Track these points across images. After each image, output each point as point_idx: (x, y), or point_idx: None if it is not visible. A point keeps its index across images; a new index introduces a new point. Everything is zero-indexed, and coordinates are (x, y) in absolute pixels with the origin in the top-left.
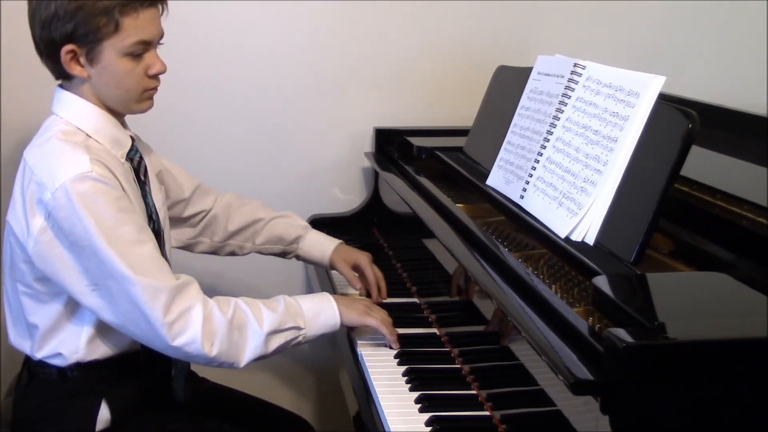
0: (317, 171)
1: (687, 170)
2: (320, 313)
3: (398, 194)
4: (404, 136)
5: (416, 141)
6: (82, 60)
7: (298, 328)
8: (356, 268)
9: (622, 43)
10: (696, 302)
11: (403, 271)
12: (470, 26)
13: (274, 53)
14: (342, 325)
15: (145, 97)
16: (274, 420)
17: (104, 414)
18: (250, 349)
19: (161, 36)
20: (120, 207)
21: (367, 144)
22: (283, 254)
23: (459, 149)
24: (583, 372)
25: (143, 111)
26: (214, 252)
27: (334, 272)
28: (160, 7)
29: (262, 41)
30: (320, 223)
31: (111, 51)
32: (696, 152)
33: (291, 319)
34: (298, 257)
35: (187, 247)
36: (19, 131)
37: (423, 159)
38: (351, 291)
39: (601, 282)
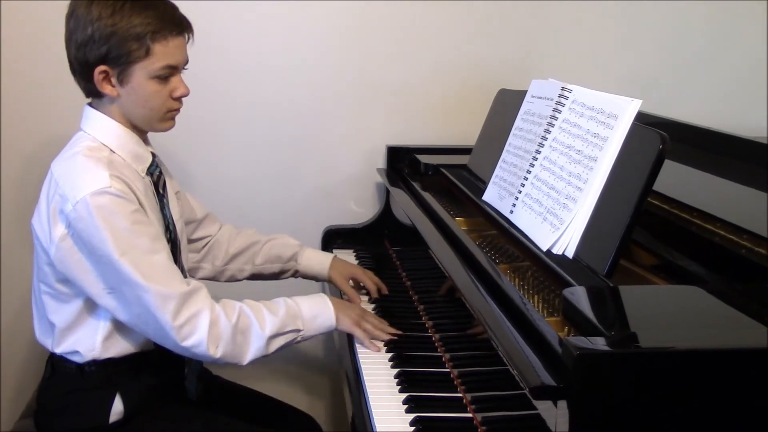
0: (334, 185)
1: (669, 189)
2: (318, 315)
3: (401, 208)
4: (413, 154)
5: (424, 158)
6: (113, 80)
7: (297, 330)
8: (352, 280)
9: (622, 67)
10: (664, 314)
11: (407, 279)
12: (478, 51)
13: (296, 76)
14: (335, 328)
15: (167, 117)
16: (283, 417)
17: (118, 407)
18: (252, 351)
19: (186, 62)
20: (135, 219)
21: (381, 160)
22: (280, 273)
23: (463, 166)
24: (545, 378)
25: (165, 130)
26: (215, 277)
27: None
28: (186, 35)
29: (284, 64)
30: (335, 234)
31: (140, 73)
32: (680, 171)
33: (291, 321)
34: (296, 273)
35: (190, 272)
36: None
37: (429, 175)
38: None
39: (570, 293)
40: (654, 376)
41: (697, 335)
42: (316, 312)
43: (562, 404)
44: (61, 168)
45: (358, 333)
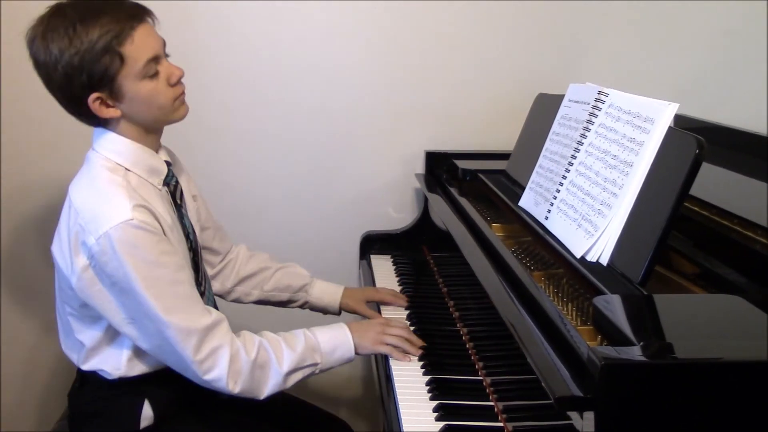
0: (372, 190)
1: (709, 194)
2: (337, 348)
3: (438, 213)
4: (452, 159)
5: (462, 164)
6: (110, 101)
7: (315, 364)
8: (369, 301)
9: (661, 70)
10: (699, 323)
11: (444, 285)
12: (518, 55)
13: (334, 80)
14: (357, 354)
15: (178, 105)
16: (315, 421)
17: (147, 413)
18: (270, 386)
19: (164, 45)
20: (160, 250)
21: (419, 166)
22: (288, 302)
23: (502, 171)
24: (572, 388)
25: (182, 117)
26: (221, 296)
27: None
28: (149, 20)
29: (322, 68)
30: (373, 240)
31: (129, 81)
32: (720, 175)
33: (310, 356)
34: (305, 304)
35: None
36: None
37: (468, 180)
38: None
39: (601, 301)
40: (686, 389)
41: (734, 346)
42: (335, 344)
43: (589, 415)
44: (80, 196)
45: (382, 350)
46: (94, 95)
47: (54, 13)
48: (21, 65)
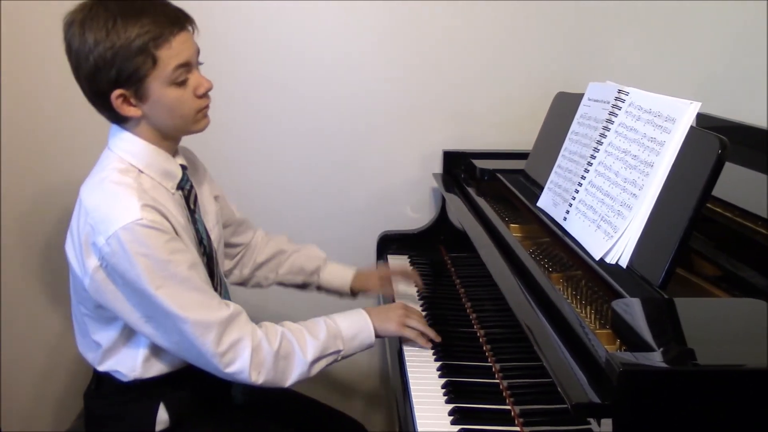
0: (390, 190)
1: (731, 195)
2: (358, 334)
3: (455, 213)
4: (470, 159)
5: (480, 163)
6: (133, 100)
7: (338, 351)
8: (383, 279)
9: (683, 69)
10: (722, 328)
11: (461, 286)
12: (537, 54)
13: (352, 79)
14: (378, 337)
15: (200, 117)
16: (331, 422)
17: (162, 416)
18: (294, 376)
19: (198, 54)
20: (171, 249)
21: (437, 165)
22: (304, 285)
23: (520, 171)
24: (589, 394)
25: (201, 130)
26: (242, 283)
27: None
28: (189, 28)
29: (339, 68)
30: (390, 240)
31: (156, 84)
32: (744, 176)
33: (332, 343)
34: (319, 287)
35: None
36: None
37: (486, 180)
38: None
39: (620, 305)
40: (708, 397)
41: (758, 352)
42: (356, 331)
43: (606, 422)
44: (90, 196)
45: (406, 334)
46: (118, 91)
47: (98, 2)
48: (22, 65)
